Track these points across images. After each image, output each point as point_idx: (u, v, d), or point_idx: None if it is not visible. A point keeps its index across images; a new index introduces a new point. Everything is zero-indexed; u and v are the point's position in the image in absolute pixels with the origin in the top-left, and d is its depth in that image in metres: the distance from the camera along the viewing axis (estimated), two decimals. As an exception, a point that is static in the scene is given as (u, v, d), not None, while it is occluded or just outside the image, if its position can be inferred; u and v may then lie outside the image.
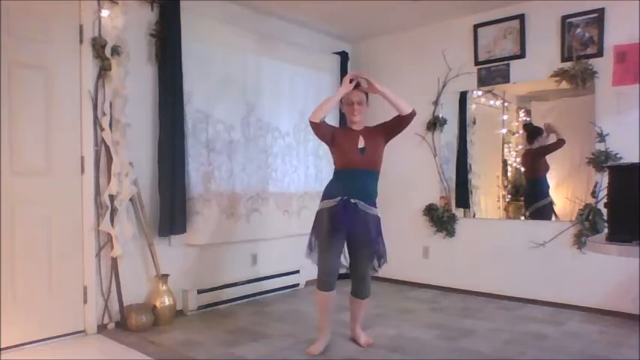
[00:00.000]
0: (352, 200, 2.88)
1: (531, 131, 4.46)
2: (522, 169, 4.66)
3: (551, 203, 4.29)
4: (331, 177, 3.10)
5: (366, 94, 3.06)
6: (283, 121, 4.56)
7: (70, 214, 3.22)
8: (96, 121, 3.31)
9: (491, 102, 4.67)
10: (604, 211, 3.32)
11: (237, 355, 2.92)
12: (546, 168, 4.35)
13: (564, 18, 3.91)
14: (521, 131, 4.64)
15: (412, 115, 2.95)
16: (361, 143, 2.99)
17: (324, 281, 2.95)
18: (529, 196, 4.50)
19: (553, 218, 4.23)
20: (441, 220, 4.60)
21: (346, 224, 2.86)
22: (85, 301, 3.28)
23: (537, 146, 4.41)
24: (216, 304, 3.95)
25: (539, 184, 4.40)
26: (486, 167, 4.80)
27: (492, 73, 4.34)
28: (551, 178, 4.37)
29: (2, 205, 2.92)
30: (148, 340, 3.16)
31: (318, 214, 3.00)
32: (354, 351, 3.00)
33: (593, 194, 3.75)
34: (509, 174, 4.73)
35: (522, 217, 4.51)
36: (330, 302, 2.99)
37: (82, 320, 3.28)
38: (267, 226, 4.36)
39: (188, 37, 3.69)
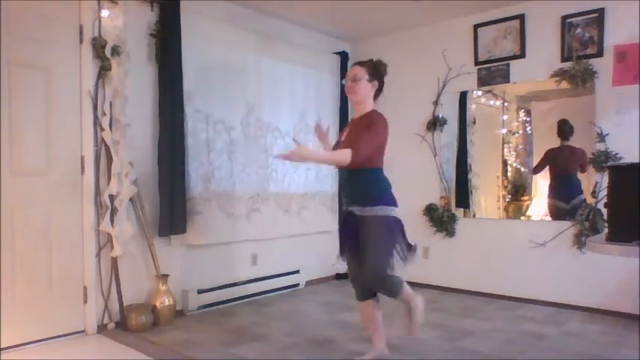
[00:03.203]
0: (349, 209, 2.67)
1: (569, 127, 4.17)
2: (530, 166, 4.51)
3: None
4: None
5: (369, 68, 2.68)
6: (283, 121, 4.56)
7: (70, 214, 3.22)
8: (96, 121, 3.31)
9: (491, 102, 4.67)
10: (604, 211, 3.33)
11: (237, 355, 2.92)
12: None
13: (564, 18, 3.91)
14: (521, 130, 4.63)
15: (354, 161, 2.49)
16: (343, 137, 2.70)
17: (355, 291, 2.77)
18: (569, 191, 4.20)
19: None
20: (441, 220, 4.60)
21: (345, 238, 2.72)
22: (85, 301, 3.28)
23: (570, 143, 4.17)
24: (216, 304, 3.95)
25: (575, 180, 4.15)
26: (486, 167, 4.80)
27: (492, 73, 4.34)
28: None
29: (2, 205, 2.92)
30: (148, 340, 3.16)
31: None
32: (355, 351, 3.00)
33: (593, 194, 3.75)
34: (509, 174, 4.73)
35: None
36: (366, 311, 2.76)
37: (82, 320, 3.28)
38: (267, 226, 4.36)
39: (188, 37, 3.69)
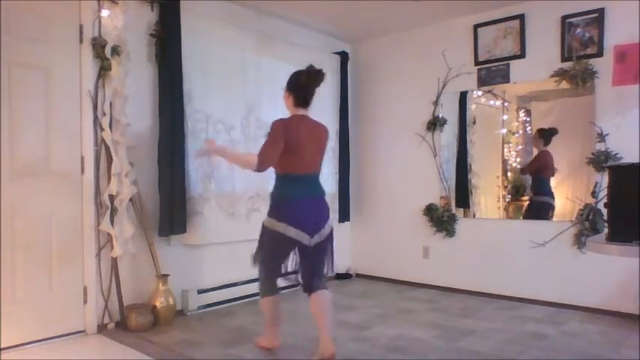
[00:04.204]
0: None
1: (549, 133, 4.35)
2: (520, 168, 4.67)
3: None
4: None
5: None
6: (283, 121, 4.55)
7: (70, 214, 3.22)
8: (96, 121, 3.31)
9: (491, 102, 4.66)
10: (604, 211, 3.32)
11: (237, 355, 2.92)
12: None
13: (564, 18, 3.91)
14: (515, 132, 4.64)
15: (258, 168, 2.64)
16: None
17: None
18: (550, 191, 4.44)
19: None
20: (441, 220, 4.60)
21: None
22: (85, 301, 3.28)
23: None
24: (216, 304, 3.95)
25: (542, 182, 4.45)
26: (486, 167, 4.80)
27: (492, 73, 4.34)
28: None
29: (2, 205, 2.92)
30: (148, 340, 3.16)
31: None
32: (354, 351, 3.00)
33: (593, 194, 3.75)
34: (509, 174, 4.73)
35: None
36: (311, 307, 2.91)
37: (82, 320, 3.28)
38: (267, 226, 4.35)
39: (188, 36, 3.68)
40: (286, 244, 2.73)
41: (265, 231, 2.79)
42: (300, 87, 2.82)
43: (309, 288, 2.84)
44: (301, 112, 2.85)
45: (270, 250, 2.80)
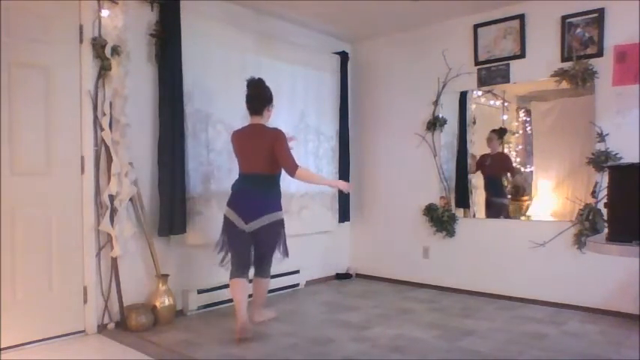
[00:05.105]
0: None
1: (502, 133, 4.60)
2: (474, 168, 4.77)
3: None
4: (277, 183, 3.33)
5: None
6: (283, 121, 4.54)
7: (70, 214, 3.23)
8: (96, 121, 3.31)
9: (492, 102, 4.66)
10: (604, 211, 3.32)
11: (237, 355, 2.92)
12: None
13: (564, 18, 3.91)
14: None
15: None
16: None
17: None
18: (503, 190, 4.70)
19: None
20: (441, 220, 4.60)
21: None
22: (85, 301, 3.28)
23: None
24: (216, 304, 3.95)
25: (502, 183, 4.65)
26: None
27: (492, 73, 4.34)
28: (551, 177, 4.38)
29: (2, 205, 2.92)
30: (147, 340, 3.16)
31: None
32: (354, 351, 3.00)
33: (593, 194, 3.75)
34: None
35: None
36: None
37: (82, 320, 3.28)
38: (267, 226, 4.35)
39: (188, 37, 3.69)
40: (232, 226, 3.19)
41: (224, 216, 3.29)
42: (248, 98, 3.31)
43: (254, 273, 3.40)
44: (254, 120, 3.31)
45: (224, 233, 3.27)
